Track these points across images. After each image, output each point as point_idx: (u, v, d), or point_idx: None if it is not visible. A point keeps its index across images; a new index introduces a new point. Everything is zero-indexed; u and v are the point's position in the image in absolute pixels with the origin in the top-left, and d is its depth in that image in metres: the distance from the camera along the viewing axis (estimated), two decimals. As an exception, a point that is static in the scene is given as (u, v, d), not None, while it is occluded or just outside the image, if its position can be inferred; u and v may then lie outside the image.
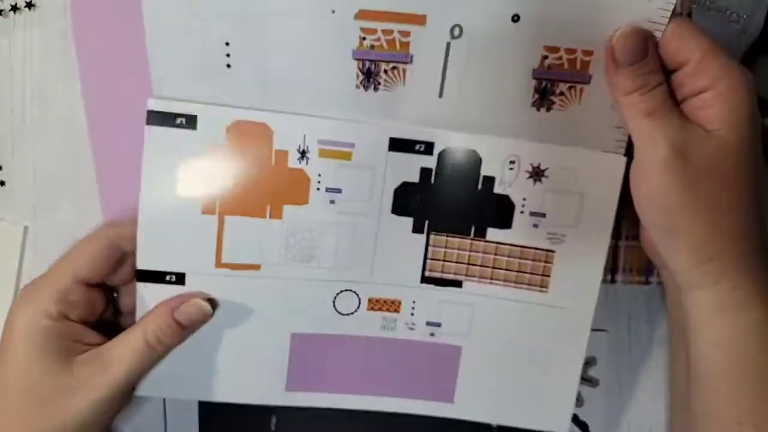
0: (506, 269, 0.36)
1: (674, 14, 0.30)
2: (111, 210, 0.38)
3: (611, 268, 0.41)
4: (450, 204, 0.36)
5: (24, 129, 0.41)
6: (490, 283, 0.37)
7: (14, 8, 0.40)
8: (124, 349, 0.33)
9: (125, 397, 0.34)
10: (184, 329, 0.34)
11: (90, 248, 0.34)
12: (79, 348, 0.33)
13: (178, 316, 0.34)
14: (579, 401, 0.42)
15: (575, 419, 0.43)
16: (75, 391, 0.32)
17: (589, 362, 0.42)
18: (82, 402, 0.32)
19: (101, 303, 0.35)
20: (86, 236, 0.35)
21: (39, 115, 0.41)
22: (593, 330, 0.39)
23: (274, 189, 0.35)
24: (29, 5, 0.40)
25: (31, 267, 0.42)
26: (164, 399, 0.42)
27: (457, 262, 0.36)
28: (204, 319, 0.35)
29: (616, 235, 0.40)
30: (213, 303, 0.35)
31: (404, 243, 0.36)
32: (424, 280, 0.37)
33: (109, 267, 0.34)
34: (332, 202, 0.36)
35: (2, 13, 0.40)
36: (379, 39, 0.32)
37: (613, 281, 0.41)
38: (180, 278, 0.36)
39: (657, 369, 0.42)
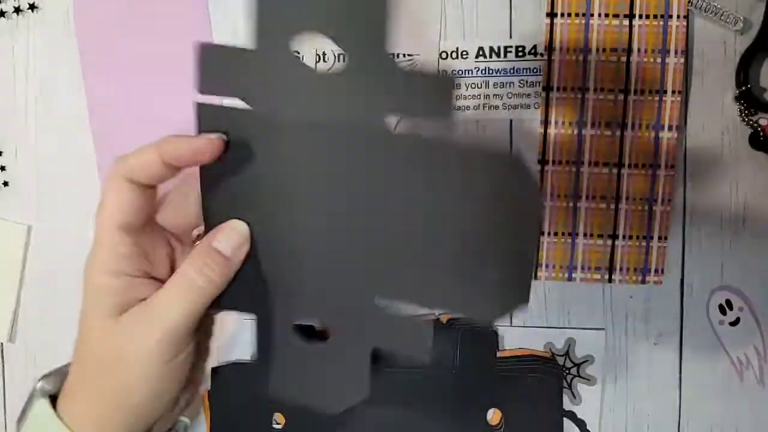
0: None
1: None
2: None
3: (608, 268, 0.42)
4: None
5: (27, 130, 0.42)
6: None
7: (17, 10, 0.41)
8: (171, 296, 0.29)
9: (184, 344, 0.29)
10: (230, 260, 0.30)
11: (118, 189, 0.29)
12: (133, 303, 0.29)
13: (217, 245, 0.29)
14: (576, 399, 0.43)
15: (572, 417, 0.43)
16: (123, 350, 0.28)
17: (586, 361, 0.43)
18: (131, 360, 0.28)
19: (159, 252, 0.31)
20: (110, 174, 0.29)
21: (42, 116, 0.42)
22: (591, 329, 0.42)
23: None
24: (32, 7, 0.40)
25: (34, 266, 0.42)
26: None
27: None
28: (245, 240, 0.30)
29: (613, 234, 0.42)
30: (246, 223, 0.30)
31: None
32: None
33: (150, 205, 0.30)
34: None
35: (5, 14, 0.40)
36: None
37: (610, 280, 0.42)
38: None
39: (654, 367, 0.43)
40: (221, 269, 0.29)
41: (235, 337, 0.43)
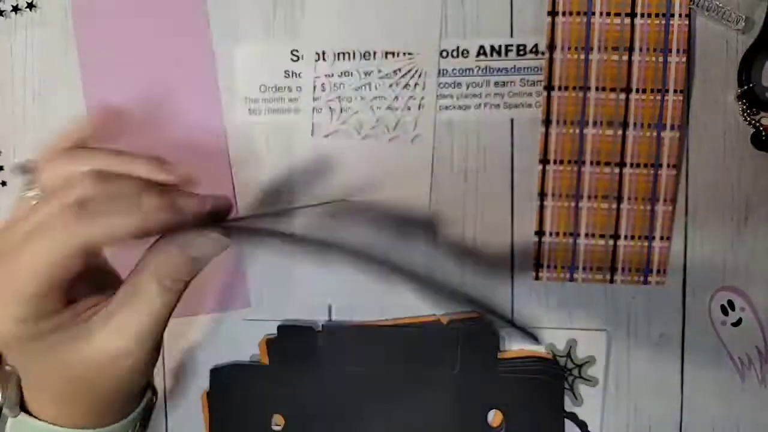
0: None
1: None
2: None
3: (610, 268, 0.42)
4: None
5: (25, 129, 0.42)
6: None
7: (15, 9, 0.40)
8: (137, 306, 0.27)
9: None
10: (199, 262, 0.28)
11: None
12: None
13: (193, 252, 0.27)
14: (577, 400, 0.43)
15: (574, 418, 0.43)
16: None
17: (588, 362, 0.43)
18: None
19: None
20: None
21: (40, 115, 0.42)
22: (592, 330, 0.42)
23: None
24: (30, 6, 0.40)
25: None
26: (165, 397, 0.43)
27: None
28: (219, 252, 0.28)
29: (615, 234, 0.41)
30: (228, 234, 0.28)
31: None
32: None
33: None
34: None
35: (3, 13, 0.40)
36: None
37: (612, 281, 0.42)
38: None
39: (656, 368, 0.42)
40: (191, 275, 0.28)
41: (235, 337, 0.43)
